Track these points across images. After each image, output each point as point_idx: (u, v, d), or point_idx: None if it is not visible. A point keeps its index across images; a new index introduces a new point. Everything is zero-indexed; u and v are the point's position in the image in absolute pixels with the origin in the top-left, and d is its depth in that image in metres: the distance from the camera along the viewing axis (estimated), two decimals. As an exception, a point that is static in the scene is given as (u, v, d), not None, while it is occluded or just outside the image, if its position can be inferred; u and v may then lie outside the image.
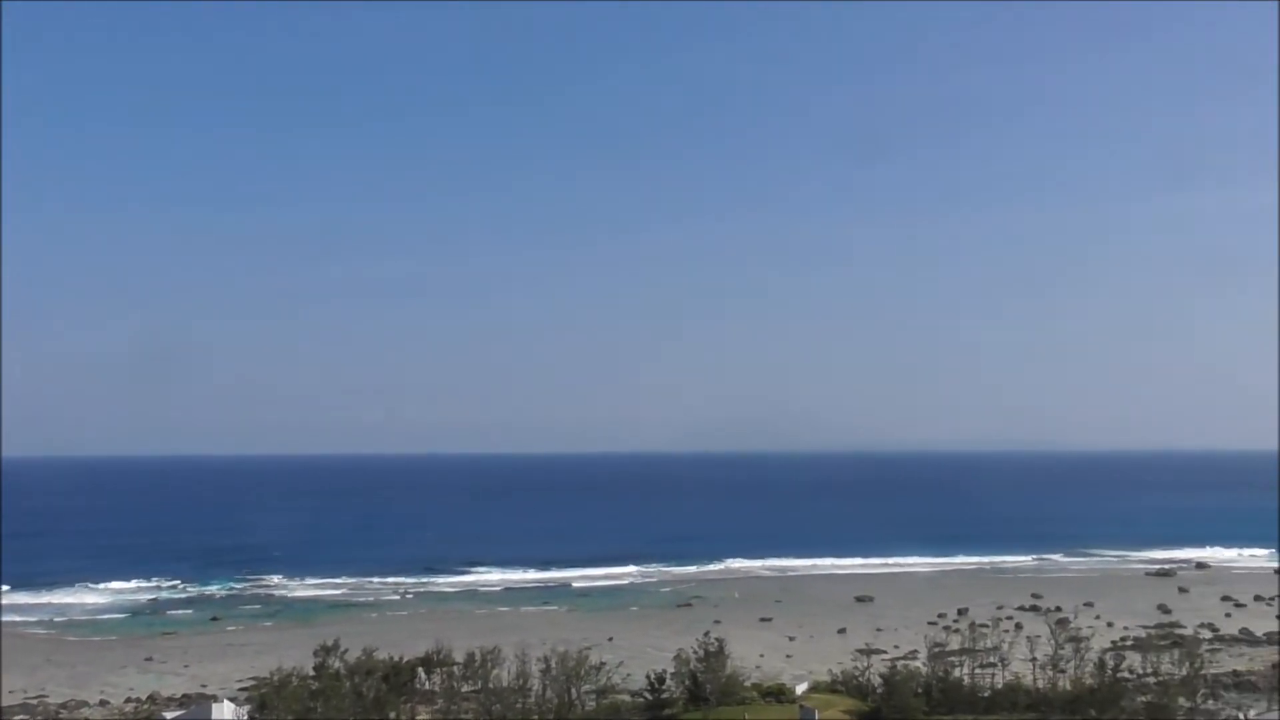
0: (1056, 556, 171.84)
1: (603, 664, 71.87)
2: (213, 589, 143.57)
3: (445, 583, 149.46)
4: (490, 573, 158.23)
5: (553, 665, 69.36)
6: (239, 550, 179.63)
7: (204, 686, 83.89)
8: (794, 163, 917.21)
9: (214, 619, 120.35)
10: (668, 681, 71.86)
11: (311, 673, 64.42)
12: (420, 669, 68.69)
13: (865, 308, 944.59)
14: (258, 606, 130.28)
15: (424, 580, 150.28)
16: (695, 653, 73.01)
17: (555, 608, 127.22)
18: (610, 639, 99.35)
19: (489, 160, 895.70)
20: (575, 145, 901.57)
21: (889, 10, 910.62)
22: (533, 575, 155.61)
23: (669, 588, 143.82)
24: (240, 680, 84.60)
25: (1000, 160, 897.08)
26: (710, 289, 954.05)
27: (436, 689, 69.65)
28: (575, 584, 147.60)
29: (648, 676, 73.12)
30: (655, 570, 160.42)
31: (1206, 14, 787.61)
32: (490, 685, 68.28)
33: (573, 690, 69.13)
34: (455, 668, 69.50)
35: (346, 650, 65.94)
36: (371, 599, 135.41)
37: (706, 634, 79.54)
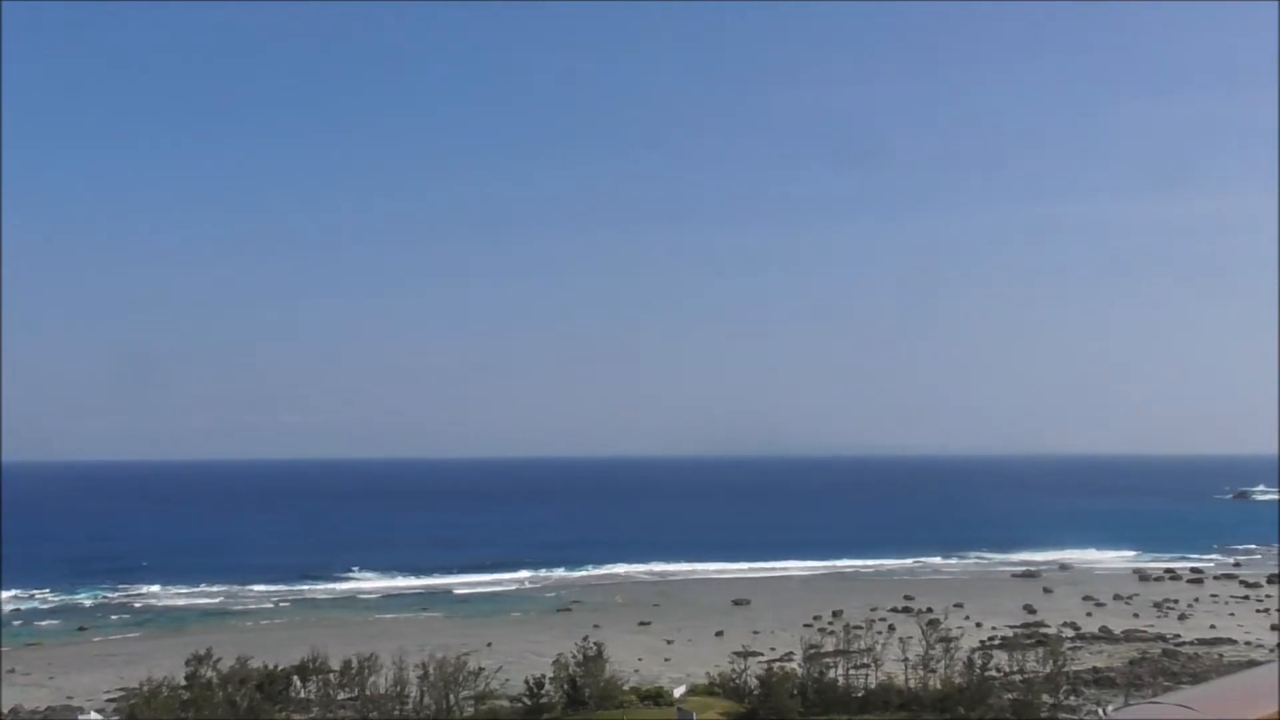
0: (931, 559, 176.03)
1: (481, 669, 71.95)
2: (81, 598, 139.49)
3: (323, 590, 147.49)
4: (369, 579, 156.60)
5: (431, 671, 69.21)
6: (109, 558, 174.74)
7: (70, 699, 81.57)
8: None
9: (81, 629, 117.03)
10: (547, 686, 72.24)
11: (183, 682, 63.29)
12: (295, 677, 67.94)
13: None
14: (128, 616, 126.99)
15: (301, 588, 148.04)
16: (574, 657, 73.50)
17: (435, 614, 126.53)
18: (489, 644, 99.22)
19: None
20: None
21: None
22: (413, 582, 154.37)
23: (550, 593, 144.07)
24: (108, 691, 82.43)
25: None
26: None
27: (312, 697, 68.95)
28: (456, 590, 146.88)
29: (526, 681, 73.34)
30: (537, 576, 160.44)
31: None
32: (367, 692, 67.85)
33: (451, 696, 69.04)
34: (331, 675, 68.94)
35: (219, 659, 64.91)
36: (246, 607, 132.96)
37: (586, 638, 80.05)
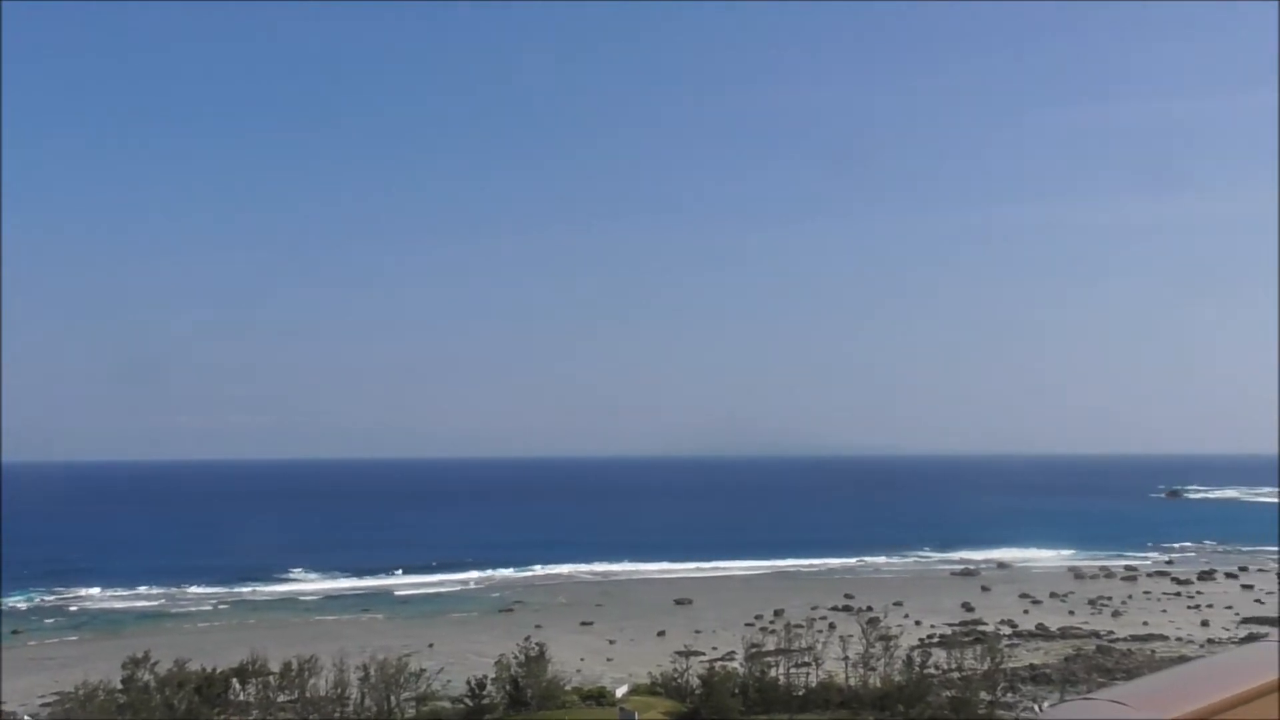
0: (873, 559, 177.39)
1: (423, 671, 71.78)
2: (15, 601, 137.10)
3: (263, 592, 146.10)
4: (311, 581, 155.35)
5: (372, 673, 68.98)
6: (48, 560, 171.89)
7: (2, 704, 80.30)
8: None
9: (15, 632, 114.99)
10: (488, 687, 72.19)
11: (119, 686, 62.60)
12: (234, 680, 67.43)
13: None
14: (64, 619, 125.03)
15: (241, 589, 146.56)
16: (516, 657, 73.54)
17: (376, 615, 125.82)
18: (431, 645, 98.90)
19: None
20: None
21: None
22: (355, 583, 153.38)
23: (494, 593, 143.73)
24: (43, 696, 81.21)
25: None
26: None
27: (251, 700, 68.43)
28: (399, 591, 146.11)
29: (468, 682, 73.29)
30: (481, 576, 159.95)
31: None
32: (307, 695, 67.46)
33: (392, 698, 68.87)
34: (271, 678, 68.46)
35: (157, 662, 64.27)
36: (185, 609, 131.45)
37: (528, 639, 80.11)
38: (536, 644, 76.64)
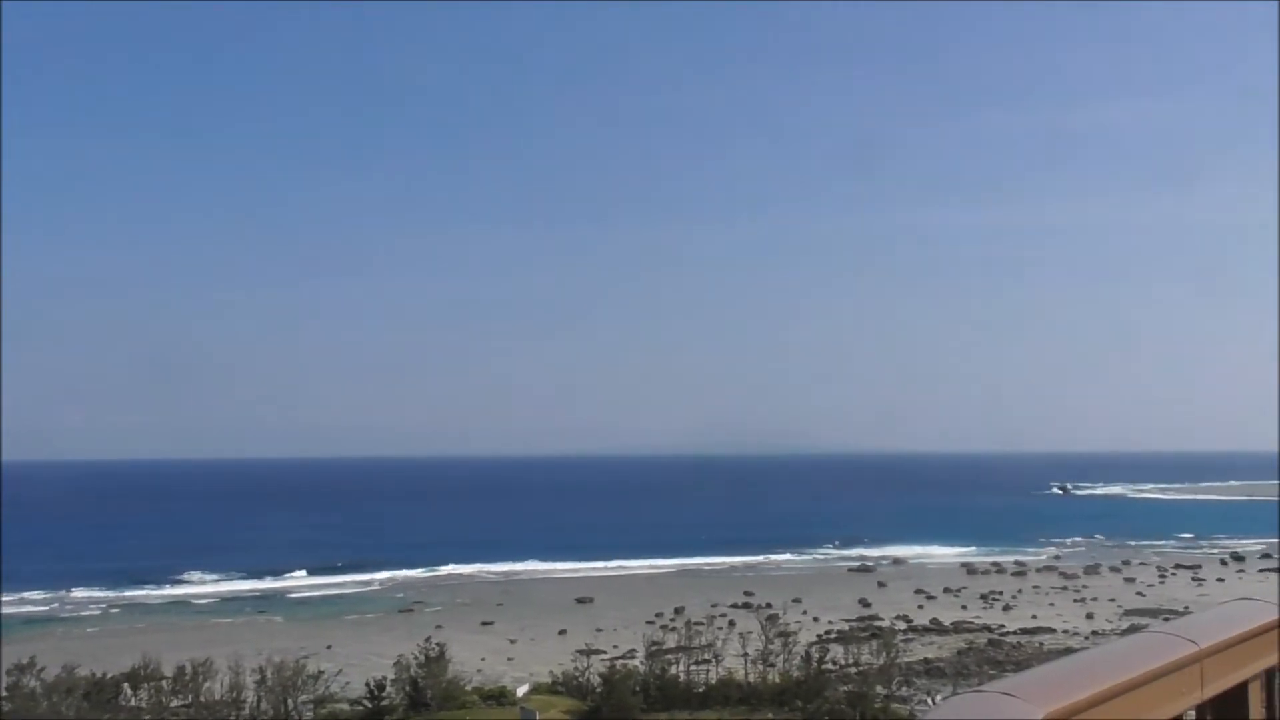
0: (773, 556, 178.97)
1: (321, 673, 70.86)
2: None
3: (156, 595, 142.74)
4: (207, 583, 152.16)
5: (268, 676, 67.93)
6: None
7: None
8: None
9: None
10: (388, 689, 71.56)
11: (4, 693, 60.78)
12: (125, 685, 65.89)
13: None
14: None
15: (133, 592, 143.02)
16: (416, 658, 72.97)
17: (274, 617, 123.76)
18: (329, 647, 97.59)
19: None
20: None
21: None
22: (253, 585, 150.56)
23: (394, 594, 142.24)
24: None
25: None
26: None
27: (143, 705, 66.93)
28: (297, 592, 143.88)
29: (367, 684, 72.52)
30: (380, 577, 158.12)
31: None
32: (201, 699, 66.20)
33: (289, 701, 67.91)
34: (163, 682, 67.03)
35: (44, 668, 62.47)
36: (75, 614, 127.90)
37: (428, 639, 79.57)
38: (437, 644, 76.18)
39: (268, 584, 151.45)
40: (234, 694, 67.91)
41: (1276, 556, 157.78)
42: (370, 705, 70.72)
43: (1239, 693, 4.58)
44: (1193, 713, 4.41)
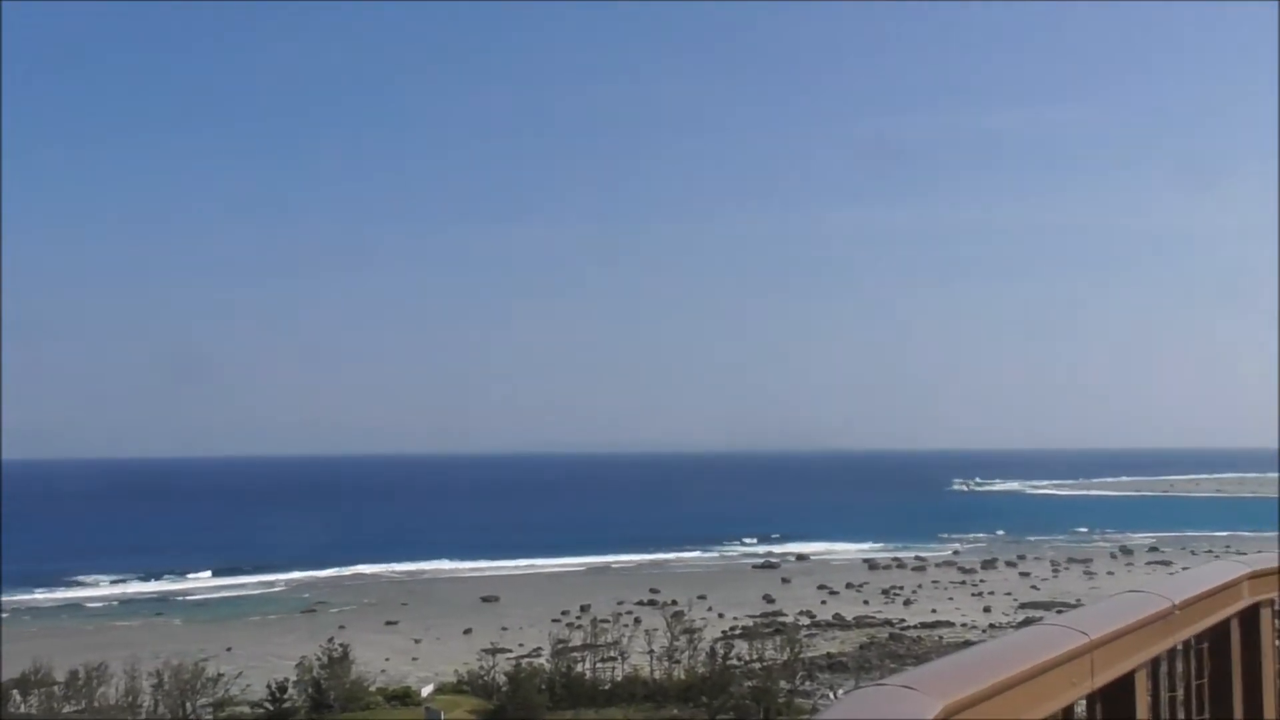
0: (680, 554, 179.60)
1: (220, 675, 69.69)
2: None
3: (48, 598, 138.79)
4: (101, 585, 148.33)
5: (165, 680, 66.59)
6: None
7: None
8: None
9: None
10: (290, 690, 70.58)
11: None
12: (15, 691, 64.12)
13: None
14: None
15: (22, 596, 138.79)
16: (319, 660, 72.10)
17: (172, 619, 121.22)
18: (229, 649, 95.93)
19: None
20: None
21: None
22: (150, 587, 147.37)
23: (296, 594, 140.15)
24: None
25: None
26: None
27: (35, 712, 65.20)
28: (196, 594, 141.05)
29: (269, 686, 71.45)
30: (285, 578, 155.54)
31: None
32: (96, 704, 64.69)
33: (188, 704, 66.65)
34: (56, 688, 65.35)
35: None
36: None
37: (331, 640, 78.63)
38: (340, 645, 75.33)
39: (168, 585, 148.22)
40: (130, 698, 66.46)
41: (1163, 549, 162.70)
42: (272, 708, 69.71)
43: (1126, 681, 4.76)
44: (1083, 701, 4.58)
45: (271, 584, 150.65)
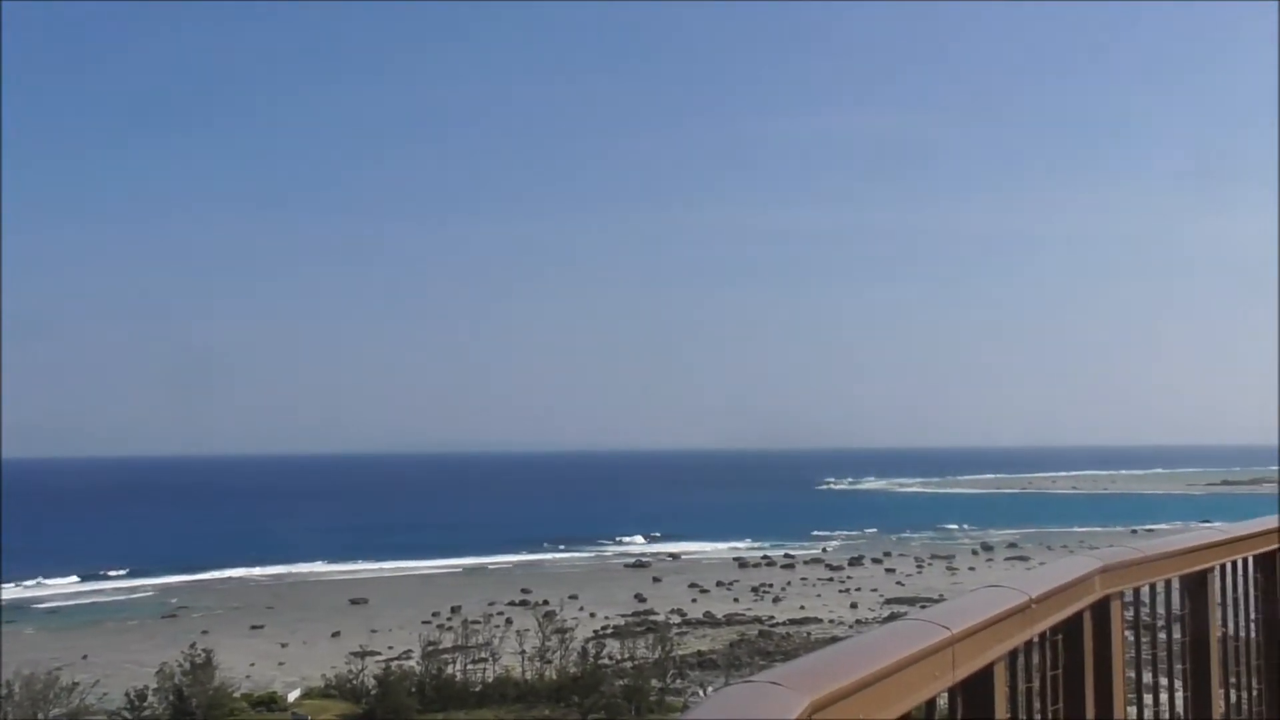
0: (553, 554, 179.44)
1: (75, 684, 67.39)
2: None
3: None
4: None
5: (16, 690, 64.10)
6: None
7: None
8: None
9: None
10: (150, 698, 68.66)
11: None
12: None
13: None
14: None
15: None
16: (181, 666, 70.27)
17: (22, 628, 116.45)
18: (85, 657, 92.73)
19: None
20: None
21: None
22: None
23: (156, 599, 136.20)
24: None
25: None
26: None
27: None
28: (47, 600, 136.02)
29: (127, 694, 69.39)
30: (145, 583, 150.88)
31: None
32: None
33: (40, 715, 64.27)
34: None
35: None
36: None
37: (193, 645, 76.66)
38: (203, 650, 73.50)
39: (19, 593, 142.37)
40: (-25, 711, 63.86)
41: (1022, 545, 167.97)
42: (131, 716, 67.75)
43: (986, 673, 4.88)
44: (945, 694, 4.67)
45: (133, 589, 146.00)
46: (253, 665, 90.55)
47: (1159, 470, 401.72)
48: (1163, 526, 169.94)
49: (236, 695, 73.35)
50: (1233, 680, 9.07)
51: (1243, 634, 9.17)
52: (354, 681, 77.21)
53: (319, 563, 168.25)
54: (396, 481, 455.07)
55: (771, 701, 3.29)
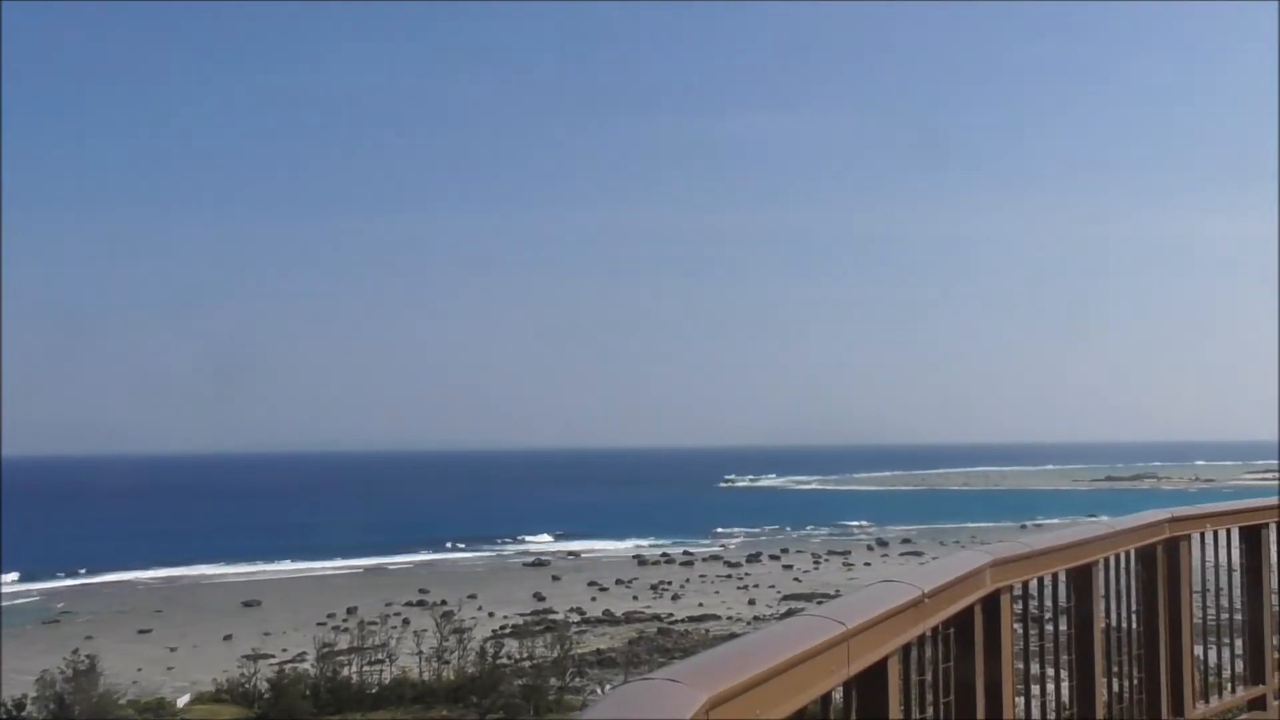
0: (451, 555, 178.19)
1: (-50, 694, 65.12)
2: None
3: None
4: None
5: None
6: None
7: None
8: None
9: None
10: (29, 707, 66.61)
11: None
12: None
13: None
14: None
15: None
16: (63, 673, 68.31)
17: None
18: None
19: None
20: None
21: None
22: None
23: (37, 605, 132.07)
24: None
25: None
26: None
27: None
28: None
29: (4, 704, 67.20)
30: (25, 588, 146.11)
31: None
32: None
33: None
34: None
35: None
36: None
37: (76, 651, 74.64)
38: (86, 656, 71.54)
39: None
40: None
41: (916, 541, 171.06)
42: (9, 726, 65.71)
43: (880, 667, 4.89)
44: (841, 688, 4.67)
45: (15, 595, 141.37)
46: (140, 671, 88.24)
47: (1049, 466, 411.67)
48: (1052, 521, 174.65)
49: (122, 702, 71.42)
50: (1115, 670, 9.33)
51: (1125, 625, 9.44)
52: (246, 685, 75.85)
53: (212, 564, 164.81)
54: (309, 481, 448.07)
55: (668, 699, 3.29)
